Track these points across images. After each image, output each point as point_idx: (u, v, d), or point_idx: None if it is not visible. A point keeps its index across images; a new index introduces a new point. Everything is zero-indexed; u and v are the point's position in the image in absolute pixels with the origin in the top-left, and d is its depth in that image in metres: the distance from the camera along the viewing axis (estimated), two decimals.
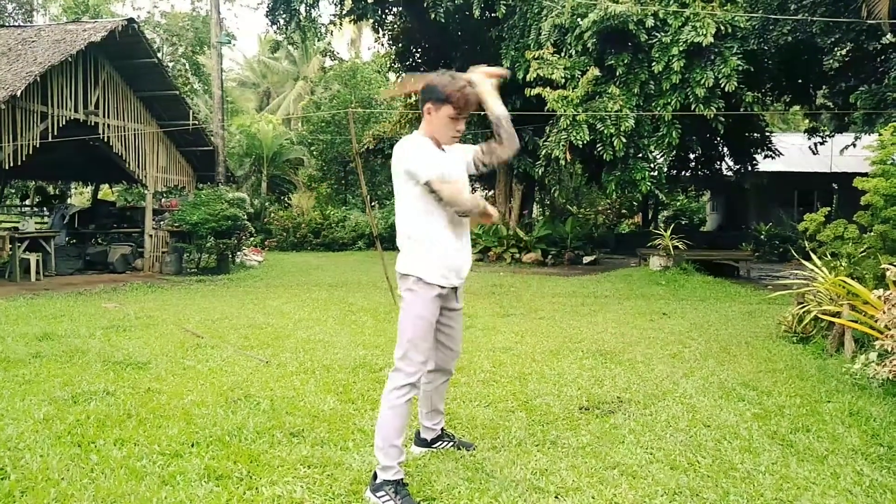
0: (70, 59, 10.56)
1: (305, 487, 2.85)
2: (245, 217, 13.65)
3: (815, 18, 11.06)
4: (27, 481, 2.87)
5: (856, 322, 5.20)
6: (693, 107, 11.63)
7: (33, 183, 20.85)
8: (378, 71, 27.43)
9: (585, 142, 11.97)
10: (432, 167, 2.72)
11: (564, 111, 12.07)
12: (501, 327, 6.97)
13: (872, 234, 6.05)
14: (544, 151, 12.76)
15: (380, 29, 18.33)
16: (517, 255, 15.79)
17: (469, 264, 2.99)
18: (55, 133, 10.85)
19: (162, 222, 13.96)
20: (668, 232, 12.98)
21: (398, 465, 2.76)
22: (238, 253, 14.14)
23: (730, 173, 18.50)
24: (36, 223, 16.27)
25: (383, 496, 2.69)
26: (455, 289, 2.97)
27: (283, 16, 16.80)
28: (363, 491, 2.80)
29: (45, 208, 19.20)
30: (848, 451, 3.36)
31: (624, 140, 11.88)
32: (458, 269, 2.90)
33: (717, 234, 21.04)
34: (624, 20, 11.52)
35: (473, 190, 2.76)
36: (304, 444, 3.37)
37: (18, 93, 9.49)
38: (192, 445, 3.33)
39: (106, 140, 12.09)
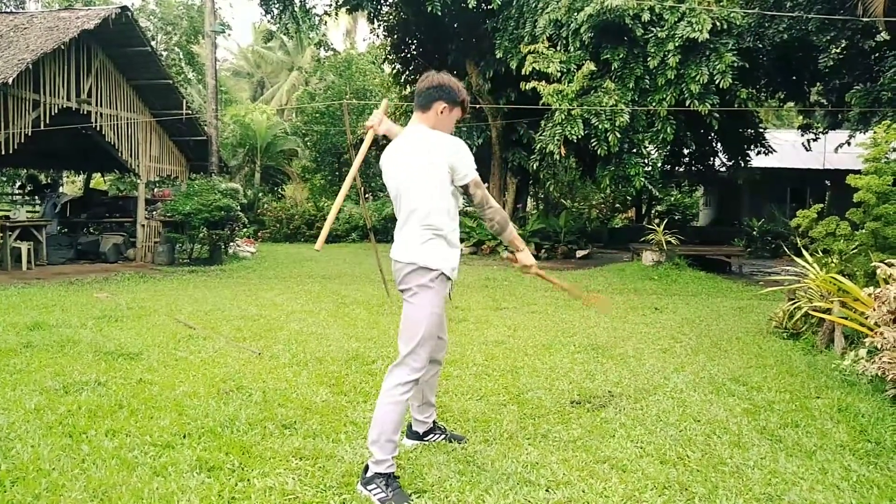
0: (63, 46, 10.46)
1: (297, 479, 2.86)
2: (238, 208, 13.61)
3: (810, 16, 11.09)
4: (18, 471, 2.86)
5: (846, 319, 5.24)
6: (688, 102, 11.64)
7: (25, 171, 20.70)
8: (373, 62, 27.31)
9: (580, 136, 11.98)
10: (474, 167, 2.87)
11: (559, 105, 12.06)
12: (494, 321, 6.99)
13: (864, 231, 6.07)
14: (539, 145, 12.75)
15: (375, 20, 18.24)
16: (511, 249, 15.78)
17: None
18: (47, 121, 10.77)
19: (154, 212, 13.89)
20: (662, 227, 13.01)
21: (391, 458, 2.76)
22: (231, 244, 14.10)
23: (723, 169, 18.54)
24: (27, 212, 16.17)
25: (375, 489, 2.70)
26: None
27: (277, 5, 16.70)
28: (355, 483, 2.81)
29: (36, 197, 19.06)
30: (836, 447, 3.39)
31: (618, 135, 11.89)
32: (457, 265, 2.97)
33: (709, 230, 21.12)
34: (620, 14, 11.51)
35: None
36: (296, 435, 3.38)
37: (10, 80, 9.40)
38: (184, 437, 3.33)
39: (98, 129, 12.01)
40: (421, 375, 2.83)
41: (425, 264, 2.79)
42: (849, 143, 15.32)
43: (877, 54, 11.71)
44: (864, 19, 10.04)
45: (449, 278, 2.89)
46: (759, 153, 17.42)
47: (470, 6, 13.36)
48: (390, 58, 19.33)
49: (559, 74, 12.25)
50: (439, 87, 2.91)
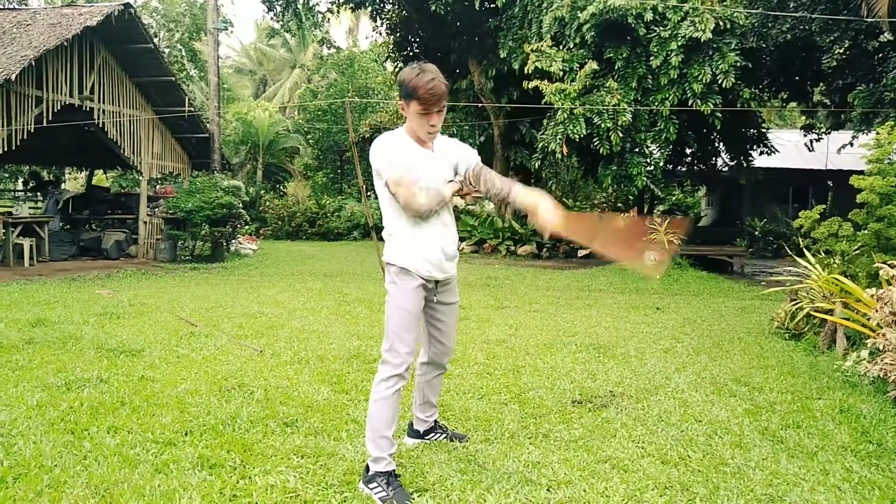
0: (66, 43, 10.48)
1: (299, 477, 2.86)
2: (240, 205, 13.61)
3: (814, 16, 11.06)
4: (20, 468, 2.86)
5: (848, 320, 5.23)
6: (690, 102, 11.62)
7: (27, 168, 20.73)
8: (375, 60, 27.32)
9: (582, 135, 11.97)
10: (394, 167, 2.69)
11: (562, 104, 12.05)
12: (496, 319, 6.98)
13: (867, 232, 6.07)
14: (541, 144, 12.75)
15: (377, 18, 18.23)
16: (512, 248, 15.80)
17: (453, 258, 2.94)
18: (50, 118, 10.79)
19: (156, 209, 13.91)
20: (664, 227, 12.99)
21: (389, 456, 2.76)
22: (233, 241, 14.11)
23: (725, 169, 18.51)
24: (30, 208, 16.19)
25: (376, 488, 2.70)
26: (437, 283, 2.94)
27: (280, 2, 16.70)
28: (356, 481, 2.81)
29: (39, 193, 19.09)
30: (838, 448, 3.38)
31: (621, 134, 11.87)
32: (438, 262, 2.85)
33: (711, 230, 21.09)
34: (623, 13, 11.49)
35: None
36: (298, 433, 3.38)
37: (13, 76, 9.42)
38: (186, 434, 3.33)
39: (101, 126, 12.02)
40: (403, 371, 2.80)
41: (387, 261, 2.89)
42: (851, 144, 15.31)
43: (880, 55, 11.68)
44: (868, 20, 10.02)
45: (420, 276, 2.82)
46: (761, 153, 17.38)
47: (476, 7, 13.36)
48: (393, 56, 19.31)
49: (561, 73, 12.24)
50: (398, 86, 2.79)
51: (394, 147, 2.76)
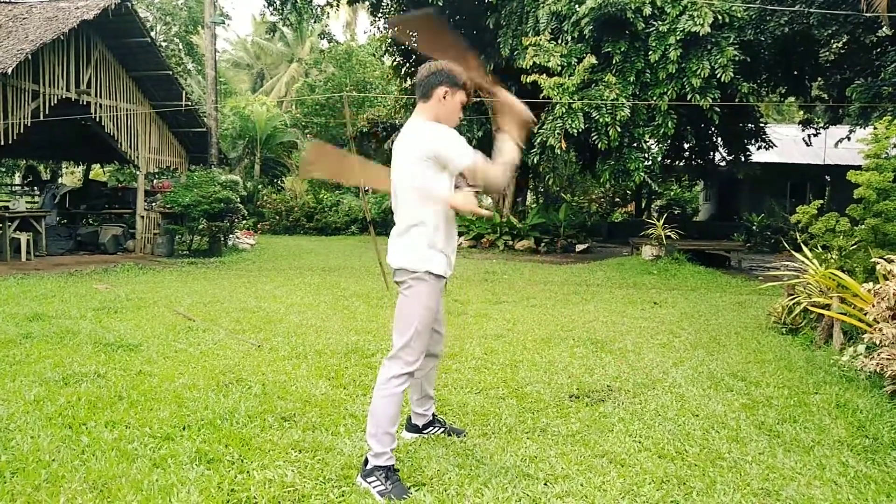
0: (62, 37, 10.42)
1: (296, 471, 2.86)
2: (238, 200, 13.58)
3: (812, 10, 11.04)
4: (18, 462, 2.87)
5: (845, 315, 5.24)
6: (689, 96, 11.61)
7: (24, 162, 20.67)
8: (373, 54, 27.24)
9: (580, 130, 11.95)
10: (467, 154, 2.67)
11: (560, 99, 12.03)
12: (493, 314, 6.99)
13: (864, 227, 6.08)
14: (539, 139, 12.72)
15: (376, 12, 18.17)
16: (510, 243, 15.81)
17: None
18: (47, 112, 10.74)
19: (154, 203, 13.88)
20: (661, 221, 13.01)
21: (390, 451, 2.77)
22: (230, 236, 14.09)
23: (723, 164, 18.52)
24: (27, 203, 16.15)
25: (374, 482, 2.71)
26: None
27: None
28: (354, 475, 2.82)
29: (35, 188, 19.04)
30: (834, 443, 3.39)
31: (619, 129, 11.86)
32: (453, 259, 2.94)
33: (709, 224, 21.11)
34: (621, 7, 11.46)
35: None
36: (296, 428, 3.38)
37: (9, 70, 9.37)
38: (184, 428, 3.33)
39: (98, 120, 11.99)
40: (415, 368, 2.82)
41: (413, 267, 2.84)
42: (849, 139, 15.31)
43: (878, 49, 11.66)
44: (867, 14, 10.00)
45: (443, 276, 2.88)
46: (759, 148, 17.41)
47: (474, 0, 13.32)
48: (390, 50, 19.27)
49: (560, 68, 12.21)
50: (439, 72, 2.83)
51: (454, 134, 2.74)
